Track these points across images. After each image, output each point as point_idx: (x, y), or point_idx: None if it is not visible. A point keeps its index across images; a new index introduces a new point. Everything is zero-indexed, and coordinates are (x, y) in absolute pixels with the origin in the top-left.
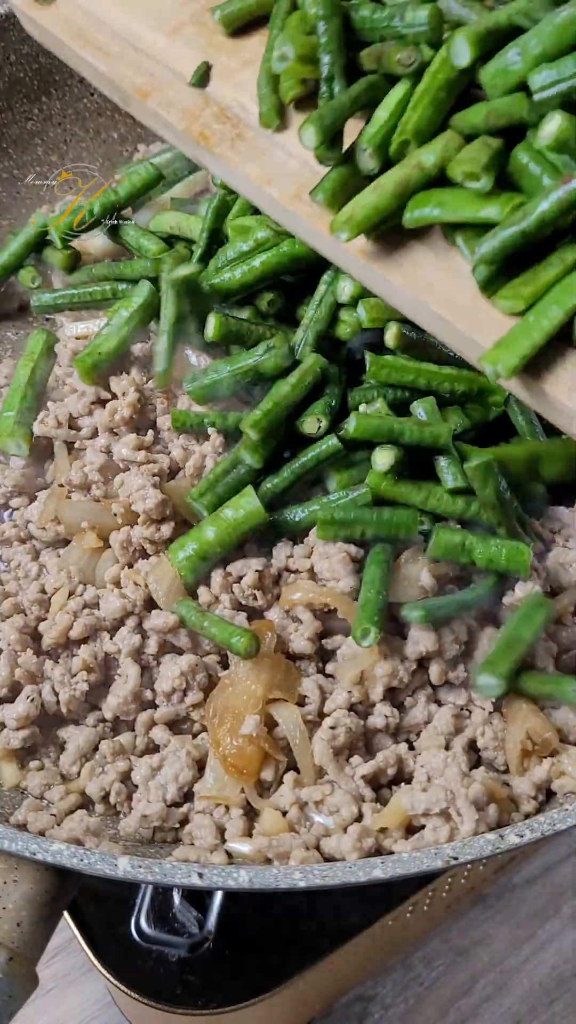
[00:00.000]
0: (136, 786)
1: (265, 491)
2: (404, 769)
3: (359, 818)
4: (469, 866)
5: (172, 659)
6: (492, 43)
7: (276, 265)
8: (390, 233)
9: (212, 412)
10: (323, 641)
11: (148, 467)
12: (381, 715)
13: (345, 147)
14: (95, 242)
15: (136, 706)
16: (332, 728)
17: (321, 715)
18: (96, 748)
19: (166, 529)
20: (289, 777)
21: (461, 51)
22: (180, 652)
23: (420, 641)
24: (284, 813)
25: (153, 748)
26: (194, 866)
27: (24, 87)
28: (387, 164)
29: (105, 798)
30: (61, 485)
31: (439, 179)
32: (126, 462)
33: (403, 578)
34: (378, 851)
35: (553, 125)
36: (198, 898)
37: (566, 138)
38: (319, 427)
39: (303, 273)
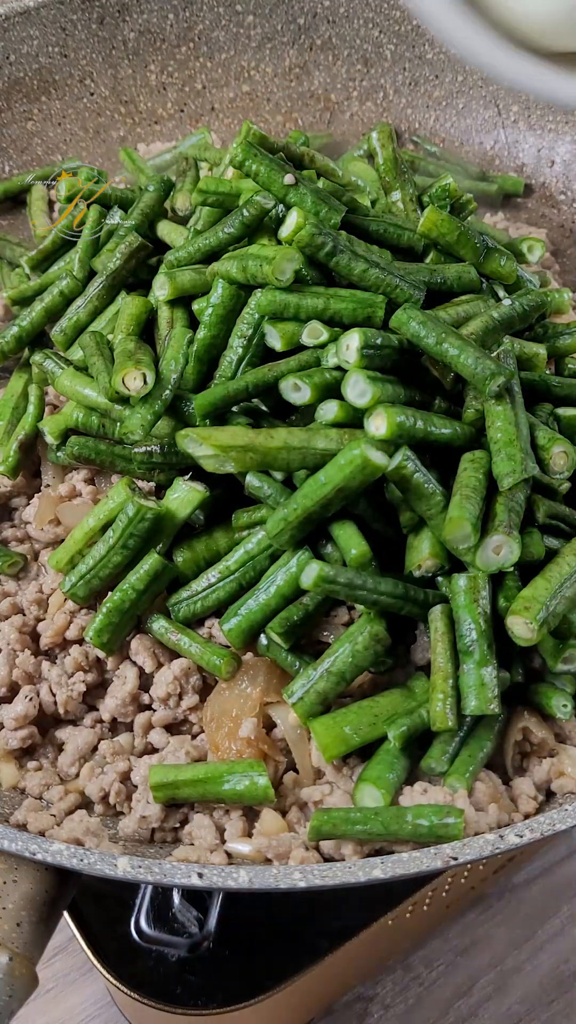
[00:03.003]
0: (136, 786)
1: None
2: None
3: None
4: (469, 866)
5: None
6: None
7: None
8: None
9: None
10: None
11: None
12: None
13: None
14: None
15: (134, 708)
16: None
17: None
18: (95, 749)
19: None
20: (288, 778)
21: None
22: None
23: (418, 644)
24: (284, 813)
25: (152, 749)
26: (194, 866)
27: (24, 87)
28: None
29: (105, 798)
30: (47, 485)
31: None
32: None
33: None
34: (378, 851)
35: None
36: (198, 898)
37: None
38: None
39: None
